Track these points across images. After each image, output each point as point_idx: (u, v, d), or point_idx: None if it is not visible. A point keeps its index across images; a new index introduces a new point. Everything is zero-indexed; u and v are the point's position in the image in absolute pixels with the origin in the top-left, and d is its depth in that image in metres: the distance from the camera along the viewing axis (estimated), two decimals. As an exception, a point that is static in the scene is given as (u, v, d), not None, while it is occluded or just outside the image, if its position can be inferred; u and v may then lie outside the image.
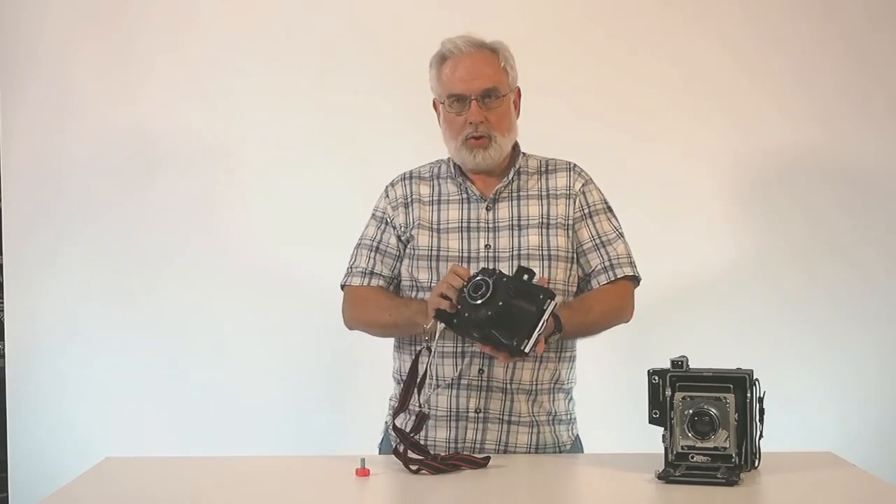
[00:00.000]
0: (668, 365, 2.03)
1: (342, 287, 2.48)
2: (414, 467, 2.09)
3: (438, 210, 2.41)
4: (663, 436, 2.02)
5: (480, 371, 2.31)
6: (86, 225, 3.44)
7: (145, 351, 3.41)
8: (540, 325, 2.07)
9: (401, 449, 2.13)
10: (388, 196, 2.47)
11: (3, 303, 3.49)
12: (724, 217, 3.42)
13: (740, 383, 1.98)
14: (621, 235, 2.42)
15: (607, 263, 2.38)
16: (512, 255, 2.35)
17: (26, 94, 3.46)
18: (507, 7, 3.38)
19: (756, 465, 2.02)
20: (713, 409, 1.97)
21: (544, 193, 2.41)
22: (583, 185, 2.43)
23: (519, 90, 2.44)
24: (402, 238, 2.42)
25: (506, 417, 2.33)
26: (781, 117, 3.41)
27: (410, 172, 2.49)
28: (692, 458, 1.99)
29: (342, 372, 3.41)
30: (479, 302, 2.07)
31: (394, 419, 2.21)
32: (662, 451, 2.01)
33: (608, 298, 2.38)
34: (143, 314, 3.42)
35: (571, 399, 2.45)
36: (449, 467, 2.08)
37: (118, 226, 3.44)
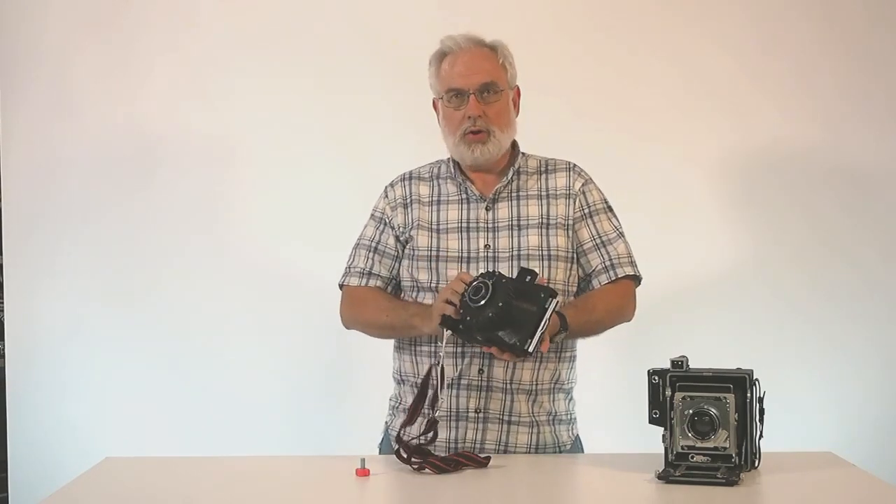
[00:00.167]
0: (668, 365, 2.03)
1: (340, 287, 2.48)
2: (415, 465, 2.09)
3: (438, 210, 2.41)
4: (663, 436, 2.02)
5: (480, 371, 2.31)
6: (86, 225, 3.45)
7: (145, 351, 3.41)
8: (542, 323, 2.07)
9: (403, 452, 2.14)
10: (387, 196, 2.47)
11: (3, 303, 3.49)
12: (724, 217, 3.42)
13: (740, 383, 1.99)
14: (622, 235, 2.42)
15: (608, 263, 2.38)
16: (511, 256, 2.35)
17: (26, 94, 3.46)
18: (507, 7, 3.38)
19: (756, 465, 2.02)
20: (713, 409, 1.97)
21: (544, 193, 2.41)
22: (583, 185, 2.43)
23: (518, 89, 2.44)
24: (401, 239, 2.42)
25: (506, 417, 2.33)
26: (781, 117, 3.41)
27: (410, 173, 2.49)
28: (692, 458, 1.99)
29: (342, 372, 3.41)
30: (479, 304, 2.08)
31: (401, 429, 2.17)
32: (662, 451, 2.02)
33: (611, 297, 2.38)
34: (143, 314, 3.42)
35: (571, 399, 2.45)
36: (451, 466, 2.08)
37: (118, 226, 3.44)
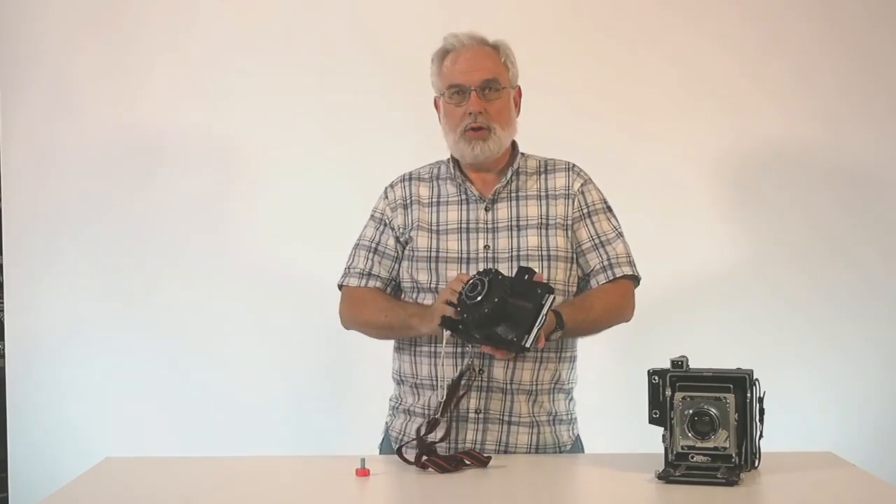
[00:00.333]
0: (668, 365, 2.03)
1: (339, 287, 2.48)
2: (415, 462, 2.09)
3: (437, 211, 2.41)
4: (663, 436, 2.02)
5: (480, 371, 2.30)
6: (86, 225, 3.44)
7: (145, 351, 3.41)
8: (539, 319, 2.07)
9: (405, 452, 2.14)
10: (387, 197, 2.47)
11: (3, 303, 3.49)
12: (723, 217, 3.42)
13: (740, 383, 1.99)
14: (621, 235, 2.42)
15: (606, 263, 2.38)
16: (511, 256, 2.35)
17: (26, 94, 3.46)
18: (507, 7, 3.38)
19: (756, 465, 2.02)
20: (713, 409, 1.97)
21: (543, 194, 2.41)
22: (582, 185, 2.42)
23: (520, 89, 2.44)
24: (401, 240, 2.42)
25: (506, 418, 2.32)
26: (781, 117, 3.41)
27: (410, 174, 2.49)
28: (692, 458, 1.99)
29: (342, 372, 3.41)
30: (475, 301, 2.08)
31: (427, 430, 2.18)
32: (662, 451, 2.02)
33: (609, 297, 2.38)
34: (144, 314, 3.42)
35: (572, 399, 2.45)
36: (452, 466, 2.08)
37: (118, 226, 3.44)
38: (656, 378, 2.03)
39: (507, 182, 2.40)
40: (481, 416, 2.31)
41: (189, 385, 3.41)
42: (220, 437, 3.33)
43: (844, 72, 3.41)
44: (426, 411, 2.35)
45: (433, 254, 2.37)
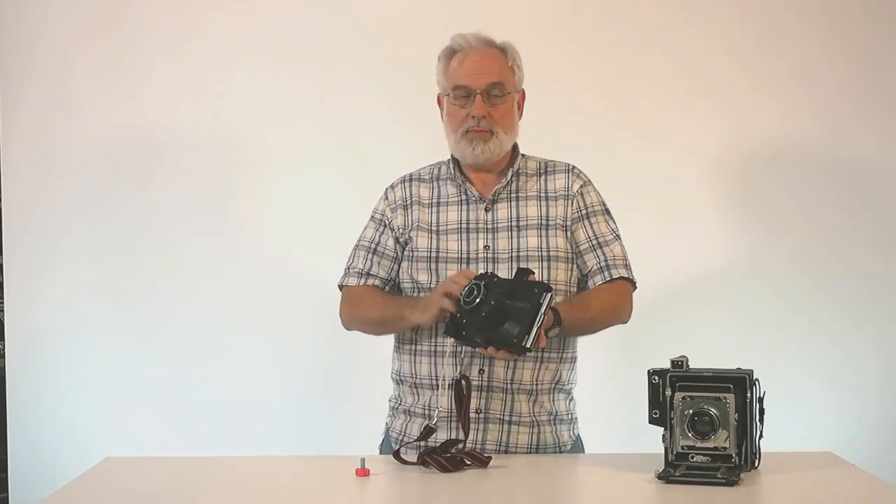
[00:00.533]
0: (668, 365, 2.03)
1: (340, 288, 2.48)
2: (419, 462, 2.10)
3: (437, 212, 2.41)
4: (663, 436, 2.02)
5: (481, 371, 2.31)
6: (86, 225, 3.44)
7: (145, 351, 3.41)
8: (538, 318, 2.07)
9: (402, 453, 2.15)
10: (387, 198, 2.47)
11: (3, 303, 3.49)
12: (723, 217, 3.42)
13: (740, 383, 1.98)
14: (618, 238, 2.42)
15: (603, 264, 2.38)
16: (511, 257, 2.35)
17: (26, 94, 3.46)
18: (507, 7, 3.38)
19: (756, 465, 2.02)
20: (713, 409, 1.97)
21: (543, 195, 2.41)
22: (581, 187, 2.43)
23: (523, 92, 2.44)
24: (401, 240, 2.42)
25: (506, 417, 2.33)
26: (781, 117, 3.41)
27: (410, 175, 2.49)
28: (692, 458, 1.99)
29: (342, 372, 3.41)
30: (473, 306, 2.09)
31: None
32: (662, 451, 2.02)
33: (607, 296, 2.38)
34: (144, 314, 3.42)
35: (572, 399, 2.45)
36: (453, 465, 2.09)
37: (118, 226, 3.44)
38: (656, 378, 2.03)
39: (508, 183, 2.41)
40: (482, 415, 2.31)
41: (189, 385, 3.41)
42: (220, 437, 3.33)
43: (844, 72, 3.41)
44: (426, 411, 2.35)
45: (433, 254, 2.37)
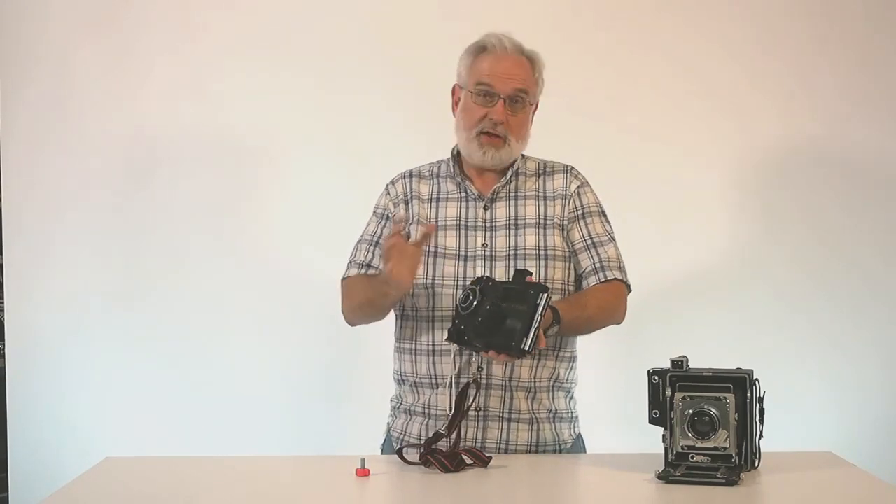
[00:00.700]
0: (668, 365, 2.03)
1: (342, 281, 2.47)
2: (421, 462, 2.10)
3: (437, 208, 2.42)
4: (663, 436, 2.02)
5: (479, 369, 2.30)
6: (86, 225, 3.45)
7: (145, 351, 3.41)
8: (535, 320, 2.07)
9: (405, 453, 2.15)
10: (388, 193, 2.48)
11: (3, 303, 3.49)
12: (723, 217, 3.42)
13: (740, 383, 1.98)
14: (613, 240, 2.42)
15: (598, 265, 2.38)
16: (509, 255, 2.35)
17: (26, 94, 3.46)
18: (507, 6, 3.38)
19: (756, 465, 2.02)
20: (713, 409, 1.97)
21: (541, 194, 2.42)
22: (578, 187, 2.43)
23: (538, 103, 2.44)
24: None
25: (506, 415, 2.33)
26: (781, 117, 3.41)
27: (410, 171, 2.50)
28: (692, 458, 1.99)
29: (343, 372, 3.41)
30: (469, 311, 2.09)
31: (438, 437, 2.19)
32: (662, 451, 2.02)
33: (603, 296, 2.38)
34: (144, 314, 3.42)
35: (572, 398, 2.45)
36: (454, 465, 2.09)
37: (118, 226, 3.44)
38: (656, 378, 2.03)
39: (507, 182, 2.41)
40: (481, 413, 2.31)
41: (189, 385, 3.41)
42: (220, 437, 3.33)
43: (844, 72, 3.41)
44: (427, 410, 2.35)
45: (431, 250, 2.37)
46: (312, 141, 3.43)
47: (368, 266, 2.43)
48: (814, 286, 3.40)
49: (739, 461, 1.97)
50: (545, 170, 2.46)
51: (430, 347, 2.35)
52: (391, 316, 2.45)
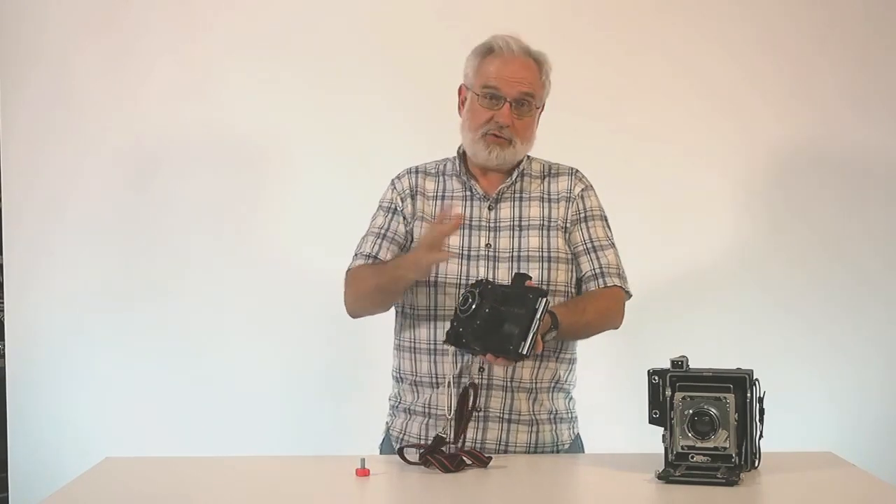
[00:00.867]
0: (668, 365, 2.03)
1: (347, 272, 2.45)
2: (421, 462, 2.10)
3: (441, 205, 2.42)
4: (663, 436, 2.02)
5: (481, 369, 2.31)
6: (86, 225, 3.44)
7: (145, 351, 3.41)
8: (534, 324, 2.07)
9: (406, 453, 2.15)
10: (395, 188, 2.47)
11: (3, 303, 3.49)
12: (723, 217, 3.42)
13: (740, 383, 1.99)
14: (613, 245, 2.42)
15: (598, 271, 2.38)
16: (512, 256, 2.35)
17: (26, 94, 3.46)
18: (507, 7, 3.37)
19: (756, 465, 2.02)
20: (713, 409, 1.97)
21: (545, 196, 2.42)
22: (582, 190, 2.43)
23: (543, 106, 2.44)
24: (408, 228, 2.42)
25: (506, 416, 2.33)
26: (781, 117, 3.41)
27: (416, 167, 2.50)
28: (692, 458, 1.99)
29: (342, 372, 3.41)
30: (468, 314, 2.09)
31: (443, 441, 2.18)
32: (662, 451, 2.02)
33: (602, 301, 2.38)
34: (144, 314, 3.42)
35: (572, 398, 2.45)
36: (454, 466, 2.09)
37: (118, 226, 3.44)
38: (656, 378, 2.03)
39: (512, 183, 2.41)
40: (481, 413, 2.31)
41: (189, 385, 3.41)
42: (220, 437, 3.33)
43: (844, 72, 3.41)
44: (427, 410, 2.35)
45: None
46: (312, 141, 3.43)
47: (375, 258, 2.42)
48: (814, 286, 3.40)
49: (739, 461, 1.98)
50: (550, 172, 2.46)
51: (431, 346, 2.35)
52: (391, 315, 2.45)
